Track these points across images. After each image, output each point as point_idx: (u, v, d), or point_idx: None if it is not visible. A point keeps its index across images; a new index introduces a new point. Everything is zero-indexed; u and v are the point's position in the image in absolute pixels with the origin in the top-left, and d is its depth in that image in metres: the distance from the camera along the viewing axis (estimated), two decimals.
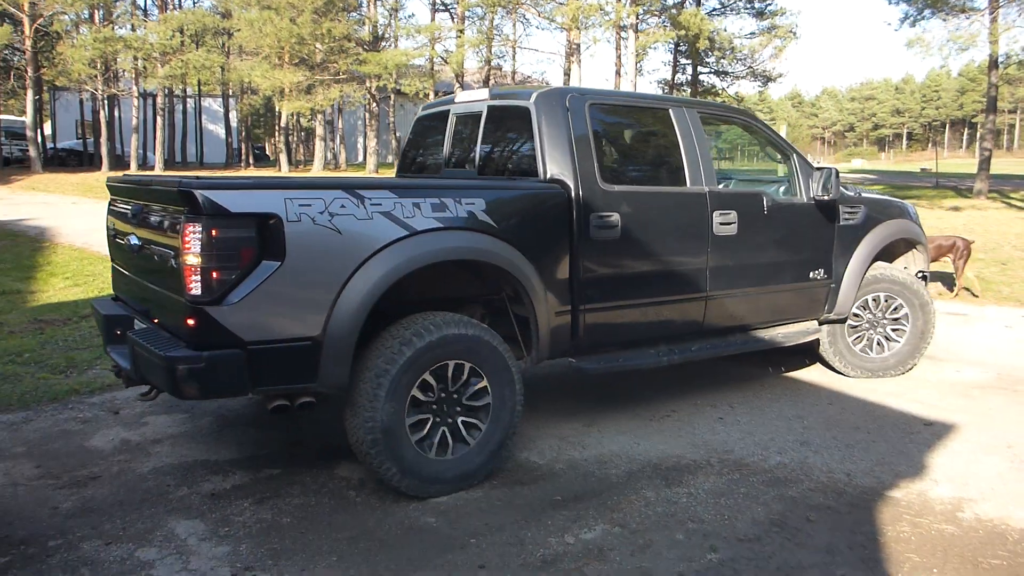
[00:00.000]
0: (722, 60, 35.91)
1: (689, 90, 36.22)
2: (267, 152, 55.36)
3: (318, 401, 3.77)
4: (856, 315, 5.81)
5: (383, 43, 35.34)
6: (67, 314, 7.58)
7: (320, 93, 31.96)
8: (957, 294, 9.11)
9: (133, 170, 32.84)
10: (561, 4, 29.11)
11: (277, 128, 41.67)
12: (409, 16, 52.68)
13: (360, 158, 46.88)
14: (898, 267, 5.99)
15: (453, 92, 5.46)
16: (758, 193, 5.17)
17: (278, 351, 3.44)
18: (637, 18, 29.45)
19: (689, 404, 5.27)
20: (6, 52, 34.63)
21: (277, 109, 36.89)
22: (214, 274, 3.27)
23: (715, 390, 5.59)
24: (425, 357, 3.69)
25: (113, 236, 4.54)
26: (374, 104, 35.02)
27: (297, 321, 3.46)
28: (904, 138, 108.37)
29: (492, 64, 36.75)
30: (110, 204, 4.59)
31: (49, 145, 41.57)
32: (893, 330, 5.88)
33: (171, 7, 38.06)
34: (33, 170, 31.90)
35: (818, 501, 3.81)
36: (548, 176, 4.30)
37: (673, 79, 37.47)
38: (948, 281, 9.55)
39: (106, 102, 35.75)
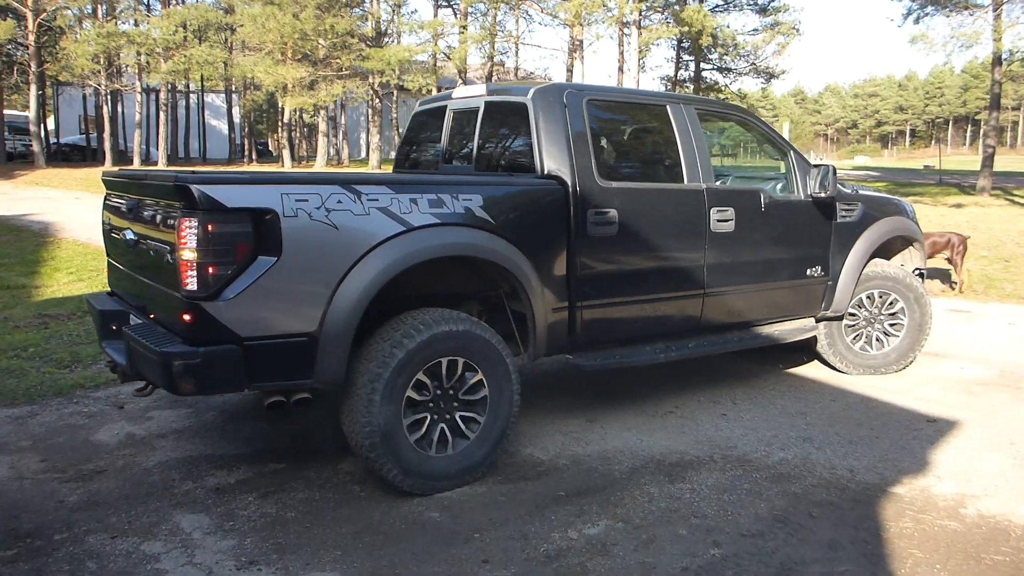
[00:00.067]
0: (725, 57, 35.84)
1: (692, 87, 36.15)
2: (270, 148, 55.35)
3: (315, 397, 3.77)
4: (852, 314, 5.82)
5: (386, 39, 35.32)
6: (71, 309, 7.60)
7: (323, 89, 31.94)
8: (961, 290, 9.12)
9: (136, 165, 32.89)
10: (564, 0, 29.06)
11: (280, 124, 41.69)
12: (412, 12, 52.78)
13: (363, 154, 46.91)
14: (890, 263, 5.99)
15: (455, 88, 5.44)
16: (755, 190, 5.17)
17: (274, 347, 3.43)
18: (640, 14, 29.36)
19: (692, 400, 5.28)
20: (9, 47, 34.62)
21: (280, 105, 36.91)
22: (210, 269, 3.26)
23: (718, 386, 5.59)
24: (417, 358, 3.67)
25: (109, 231, 4.52)
26: (377, 100, 35.00)
27: (293, 317, 3.45)
28: (907, 135, 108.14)
29: (495, 60, 36.71)
30: (106, 199, 4.57)
31: (52, 140, 41.63)
32: (891, 325, 5.89)
33: (174, 2, 38.03)
34: (36, 165, 31.94)
35: (821, 497, 3.82)
36: (545, 172, 4.29)
37: (676, 76, 37.42)
38: (946, 278, 9.56)
39: (109, 97, 35.77)
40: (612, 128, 5.01)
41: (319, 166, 35.34)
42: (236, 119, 46.41)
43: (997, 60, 22.10)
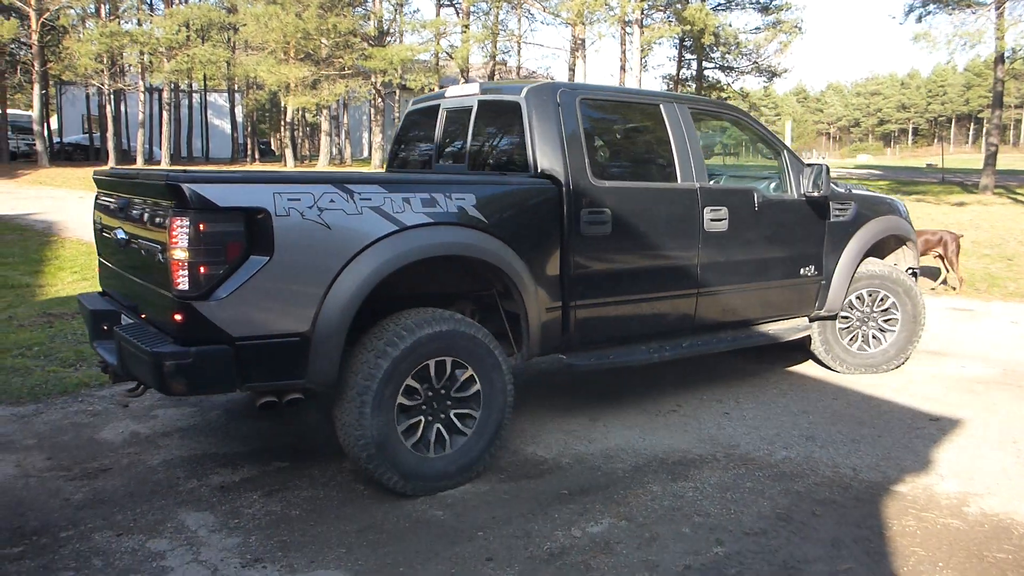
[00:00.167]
0: (727, 55, 35.78)
1: (694, 85, 36.13)
2: (272, 147, 55.42)
3: (309, 397, 3.76)
4: (845, 317, 5.83)
5: (388, 38, 35.36)
6: (75, 308, 7.60)
7: (325, 88, 31.99)
8: (959, 288, 9.12)
9: (139, 164, 32.92)
10: None
11: (283, 123, 41.78)
12: (414, 11, 52.71)
13: (365, 153, 46.92)
14: (877, 260, 5.98)
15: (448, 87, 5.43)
16: (749, 189, 5.16)
17: (266, 347, 3.41)
18: (642, 13, 29.34)
19: (695, 399, 5.29)
20: (13, 46, 34.68)
21: (283, 104, 36.99)
22: (201, 269, 3.24)
23: (721, 385, 5.60)
24: (403, 365, 3.64)
25: (100, 230, 4.49)
26: (379, 99, 35.04)
27: (285, 317, 3.43)
28: (910, 133, 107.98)
29: (497, 60, 36.72)
30: (97, 198, 4.53)
31: (55, 139, 41.71)
32: (885, 321, 5.91)
33: (177, 2, 38.08)
34: (40, 164, 32.01)
35: (824, 495, 3.83)
36: (539, 171, 4.28)
37: (678, 74, 37.38)
38: (936, 276, 9.55)
39: (112, 97, 35.83)
40: (605, 127, 5.01)
41: (322, 165, 35.37)
42: (239, 118, 46.44)
43: (1000, 58, 22.07)
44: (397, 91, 36.62)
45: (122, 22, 33.85)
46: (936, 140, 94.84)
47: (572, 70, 32.34)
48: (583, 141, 4.36)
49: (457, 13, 37.79)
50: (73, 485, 3.86)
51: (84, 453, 4.26)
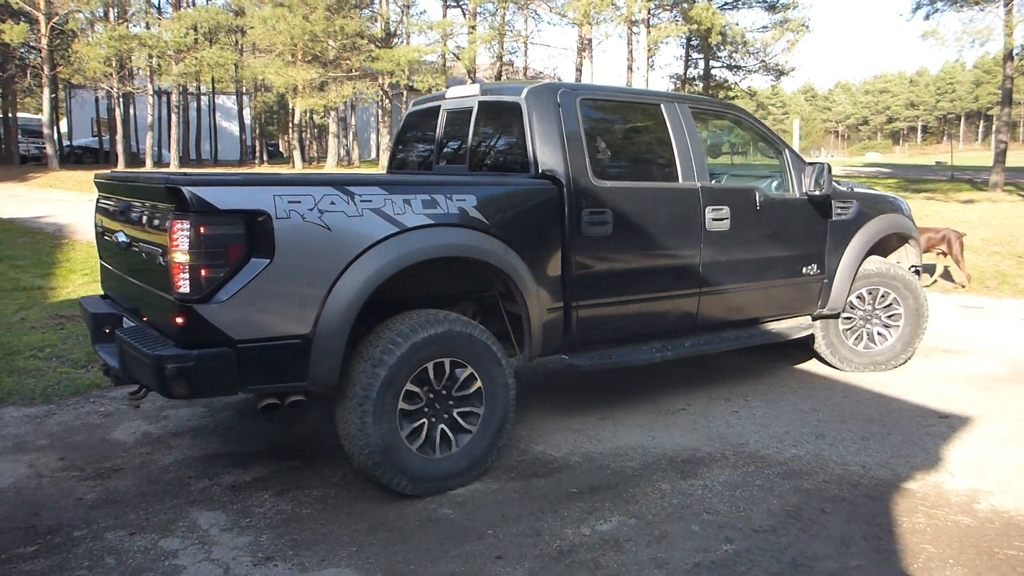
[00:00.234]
0: (734, 54, 35.72)
1: (701, 85, 36.08)
2: (281, 149, 55.59)
3: (311, 399, 3.75)
4: (848, 317, 5.83)
5: (395, 40, 35.42)
6: None
7: (333, 90, 32.08)
8: (968, 285, 9.10)
9: (148, 167, 33.09)
10: None
11: (291, 125, 41.86)
12: (421, 13, 52.82)
13: (373, 155, 47.01)
14: (875, 257, 5.96)
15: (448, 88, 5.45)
16: (751, 189, 5.15)
17: (268, 349, 3.40)
18: (649, 13, 29.35)
19: (703, 397, 5.29)
20: (22, 50, 34.92)
21: (290, 106, 37.08)
22: (202, 272, 3.23)
23: (729, 383, 5.60)
24: (401, 371, 3.63)
25: (101, 233, 4.50)
26: (387, 101, 35.10)
27: (287, 319, 3.42)
28: (919, 131, 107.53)
29: (504, 60, 36.74)
30: (98, 201, 4.53)
31: (65, 143, 41.99)
32: (888, 317, 5.89)
33: (185, 5, 38.23)
34: (50, 168, 32.18)
35: (833, 493, 3.83)
36: (540, 172, 4.28)
37: (685, 74, 37.33)
38: (947, 276, 9.53)
39: (121, 100, 36.05)
40: (606, 127, 4.99)
41: (330, 167, 35.47)
42: (247, 121, 46.63)
43: (1009, 55, 21.93)
44: (404, 92, 36.65)
45: (130, 26, 34.00)
46: (945, 138, 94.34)
47: (579, 70, 32.32)
48: (584, 141, 4.36)
49: (464, 14, 37.86)
50: (86, 485, 3.89)
51: (96, 453, 4.30)
